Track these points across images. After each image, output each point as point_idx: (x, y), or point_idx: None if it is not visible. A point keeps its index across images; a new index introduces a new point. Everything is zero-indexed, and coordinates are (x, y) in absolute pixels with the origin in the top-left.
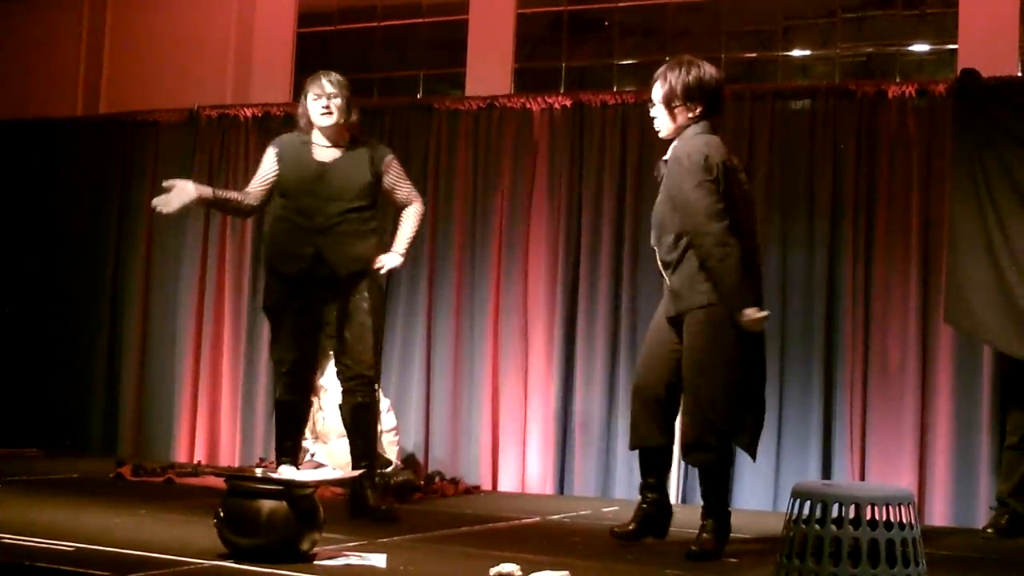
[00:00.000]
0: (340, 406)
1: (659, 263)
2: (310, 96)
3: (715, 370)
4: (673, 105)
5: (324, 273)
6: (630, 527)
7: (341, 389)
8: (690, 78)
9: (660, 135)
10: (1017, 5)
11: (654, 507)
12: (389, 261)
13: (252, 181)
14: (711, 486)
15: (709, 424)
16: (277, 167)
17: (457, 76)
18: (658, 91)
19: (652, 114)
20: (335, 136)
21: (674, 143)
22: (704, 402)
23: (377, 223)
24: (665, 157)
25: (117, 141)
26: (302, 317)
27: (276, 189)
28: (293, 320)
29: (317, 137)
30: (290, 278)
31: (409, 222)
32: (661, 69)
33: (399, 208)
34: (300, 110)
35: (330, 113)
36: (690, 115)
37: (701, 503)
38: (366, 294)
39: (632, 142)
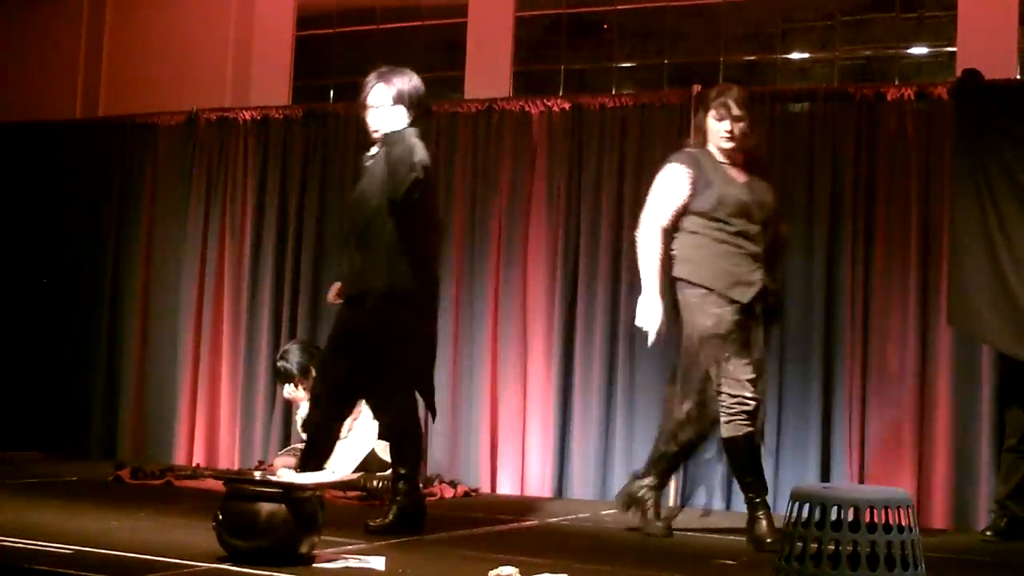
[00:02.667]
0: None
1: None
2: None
3: None
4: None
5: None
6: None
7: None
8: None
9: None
10: (1016, 8)
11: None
12: None
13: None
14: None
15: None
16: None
17: (456, 79)
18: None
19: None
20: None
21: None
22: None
23: None
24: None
25: (116, 144)
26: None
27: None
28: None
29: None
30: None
31: (785, 245)
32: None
33: None
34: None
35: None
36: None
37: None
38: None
39: (631, 145)
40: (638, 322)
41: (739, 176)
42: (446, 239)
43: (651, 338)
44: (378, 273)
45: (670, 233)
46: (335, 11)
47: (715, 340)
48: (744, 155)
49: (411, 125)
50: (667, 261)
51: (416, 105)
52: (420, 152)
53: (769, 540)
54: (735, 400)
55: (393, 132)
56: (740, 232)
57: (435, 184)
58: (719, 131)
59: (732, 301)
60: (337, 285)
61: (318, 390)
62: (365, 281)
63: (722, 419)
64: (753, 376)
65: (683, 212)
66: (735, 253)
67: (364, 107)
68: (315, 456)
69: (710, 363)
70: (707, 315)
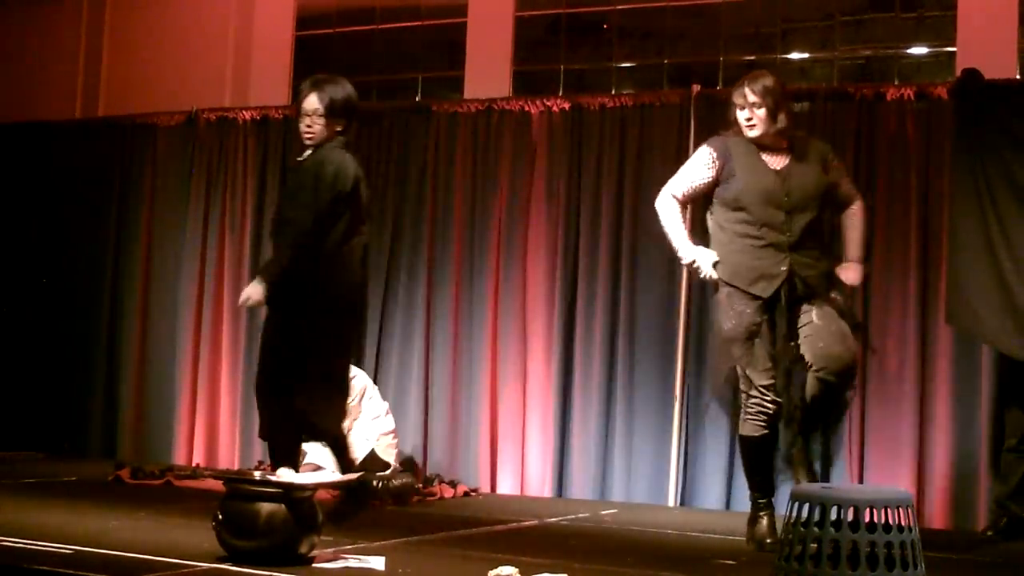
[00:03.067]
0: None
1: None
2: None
3: None
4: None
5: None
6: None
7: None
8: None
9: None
10: (1015, 8)
11: None
12: (849, 276)
13: None
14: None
15: None
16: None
17: (456, 79)
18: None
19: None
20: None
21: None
22: None
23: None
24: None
25: (116, 144)
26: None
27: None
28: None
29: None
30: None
31: (861, 222)
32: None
33: (840, 206)
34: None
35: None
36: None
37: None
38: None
39: (630, 145)
40: (701, 274)
41: (776, 162)
42: (377, 239)
43: (712, 274)
44: (297, 279)
45: (685, 204)
46: (335, 11)
47: (735, 342)
48: (788, 140)
49: (342, 134)
50: (683, 222)
51: (348, 114)
52: (345, 165)
53: (769, 540)
54: (754, 400)
55: (322, 142)
56: (763, 222)
57: (361, 193)
58: (742, 121)
59: (755, 297)
60: None
61: (258, 396)
62: (286, 286)
63: (741, 416)
64: (773, 380)
65: (708, 193)
66: (758, 245)
67: (297, 114)
68: (285, 460)
69: (732, 363)
70: (729, 316)
